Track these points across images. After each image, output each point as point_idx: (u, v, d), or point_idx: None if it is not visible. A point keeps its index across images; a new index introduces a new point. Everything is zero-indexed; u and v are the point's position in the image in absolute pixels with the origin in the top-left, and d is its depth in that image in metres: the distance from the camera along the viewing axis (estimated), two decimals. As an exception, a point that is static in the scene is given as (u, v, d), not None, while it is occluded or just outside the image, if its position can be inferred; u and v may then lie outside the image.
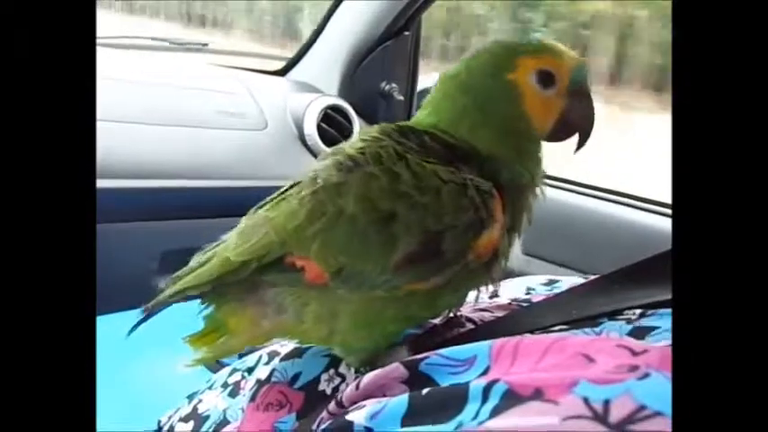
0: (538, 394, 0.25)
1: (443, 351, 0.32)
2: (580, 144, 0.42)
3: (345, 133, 1.19)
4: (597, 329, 0.34)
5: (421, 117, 0.43)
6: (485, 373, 0.29)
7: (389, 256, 0.36)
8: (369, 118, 1.28)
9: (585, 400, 0.24)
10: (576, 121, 0.41)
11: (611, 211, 1.06)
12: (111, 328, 0.48)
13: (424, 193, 0.36)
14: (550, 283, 0.52)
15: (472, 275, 0.38)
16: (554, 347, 0.28)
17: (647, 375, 0.24)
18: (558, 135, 0.41)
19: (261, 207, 0.43)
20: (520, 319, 0.39)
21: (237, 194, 1.00)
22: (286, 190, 0.42)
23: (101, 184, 0.91)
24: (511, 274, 0.46)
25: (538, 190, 0.42)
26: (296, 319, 0.40)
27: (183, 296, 0.42)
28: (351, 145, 0.40)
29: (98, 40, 1.20)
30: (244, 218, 0.43)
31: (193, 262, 0.43)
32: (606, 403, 0.23)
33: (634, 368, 0.25)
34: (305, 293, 0.40)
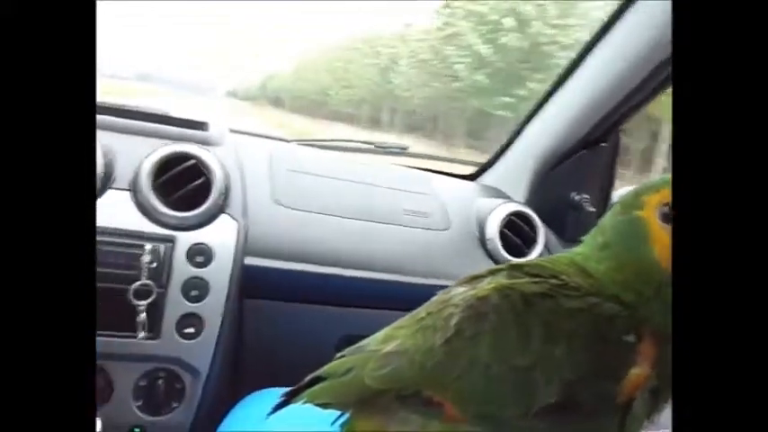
0: None
1: None
2: None
3: (528, 241, 1.16)
4: None
5: (577, 250, 0.44)
6: None
7: (528, 405, 0.35)
8: (555, 227, 1.24)
9: None
10: None
11: None
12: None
13: (557, 343, 0.35)
14: None
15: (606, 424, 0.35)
16: None
17: None
18: None
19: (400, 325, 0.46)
20: None
21: (415, 290, 1.03)
22: (422, 318, 0.43)
23: (297, 267, 1.00)
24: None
25: None
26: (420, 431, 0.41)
27: (322, 404, 0.46)
28: (483, 284, 0.41)
29: (317, 143, 1.40)
30: (381, 333, 0.47)
31: (335, 366, 0.47)
32: None
33: None
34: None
